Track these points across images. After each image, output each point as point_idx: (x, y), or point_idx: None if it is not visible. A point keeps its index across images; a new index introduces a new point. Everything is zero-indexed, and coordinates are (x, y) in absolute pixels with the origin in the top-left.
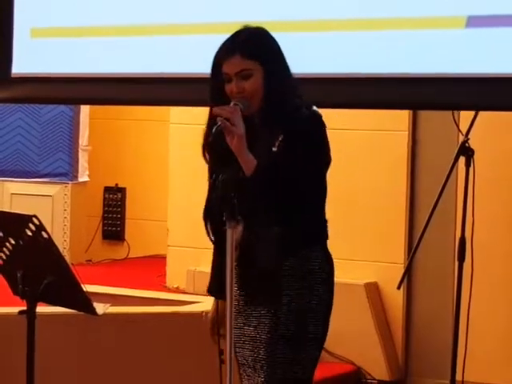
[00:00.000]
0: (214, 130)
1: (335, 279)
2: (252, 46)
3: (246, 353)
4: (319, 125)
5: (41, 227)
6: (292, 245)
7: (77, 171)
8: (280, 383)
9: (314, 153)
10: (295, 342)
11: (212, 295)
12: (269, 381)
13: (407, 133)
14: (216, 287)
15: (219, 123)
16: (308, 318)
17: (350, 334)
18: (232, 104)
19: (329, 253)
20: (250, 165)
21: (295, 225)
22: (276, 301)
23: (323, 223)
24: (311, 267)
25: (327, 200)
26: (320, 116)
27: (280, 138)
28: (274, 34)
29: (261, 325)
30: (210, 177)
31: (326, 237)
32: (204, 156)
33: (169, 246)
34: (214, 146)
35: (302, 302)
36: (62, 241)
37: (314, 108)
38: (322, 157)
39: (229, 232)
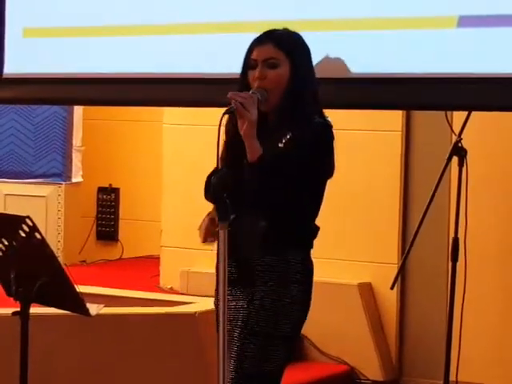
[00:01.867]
0: (225, 110)
1: (329, 279)
2: (286, 40)
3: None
4: (328, 134)
5: (34, 228)
6: (274, 243)
7: (70, 172)
8: (247, 378)
9: (316, 159)
10: (264, 338)
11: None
12: (236, 376)
13: (400, 133)
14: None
15: (233, 105)
16: (279, 316)
17: (343, 335)
18: (250, 92)
19: (309, 257)
20: (255, 152)
21: (281, 224)
22: (250, 292)
23: (311, 230)
24: (288, 267)
25: None
26: (331, 126)
27: (288, 136)
28: None
29: (235, 320)
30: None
31: (311, 243)
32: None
33: (162, 246)
34: (227, 134)
35: (274, 299)
36: (55, 241)
37: (328, 118)
38: (323, 165)
39: (221, 233)
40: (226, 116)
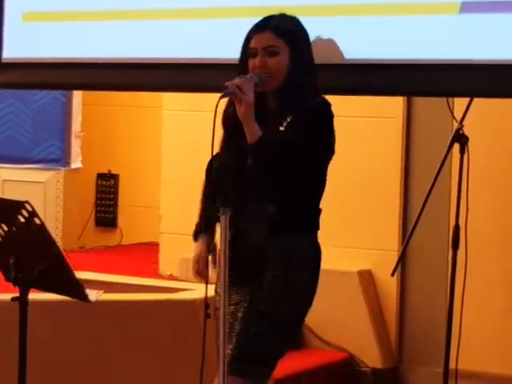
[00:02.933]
0: (222, 93)
1: (329, 266)
2: (285, 27)
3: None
4: (327, 112)
5: (33, 213)
6: (282, 228)
7: (69, 157)
8: (247, 357)
9: (317, 138)
10: (270, 319)
11: (199, 236)
12: (235, 354)
13: (401, 120)
14: (205, 225)
15: (229, 89)
16: (286, 300)
17: (343, 322)
18: (248, 75)
19: (317, 242)
20: (254, 135)
21: (288, 208)
22: (259, 278)
23: (316, 213)
24: (297, 252)
25: None
26: (329, 105)
27: (288, 119)
28: None
29: (241, 302)
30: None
31: (317, 226)
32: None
33: (162, 232)
34: (224, 119)
35: (283, 282)
36: (54, 227)
37: (324, 97)
38: (324, 143)
39: (222, 218)
40: (223, 101)
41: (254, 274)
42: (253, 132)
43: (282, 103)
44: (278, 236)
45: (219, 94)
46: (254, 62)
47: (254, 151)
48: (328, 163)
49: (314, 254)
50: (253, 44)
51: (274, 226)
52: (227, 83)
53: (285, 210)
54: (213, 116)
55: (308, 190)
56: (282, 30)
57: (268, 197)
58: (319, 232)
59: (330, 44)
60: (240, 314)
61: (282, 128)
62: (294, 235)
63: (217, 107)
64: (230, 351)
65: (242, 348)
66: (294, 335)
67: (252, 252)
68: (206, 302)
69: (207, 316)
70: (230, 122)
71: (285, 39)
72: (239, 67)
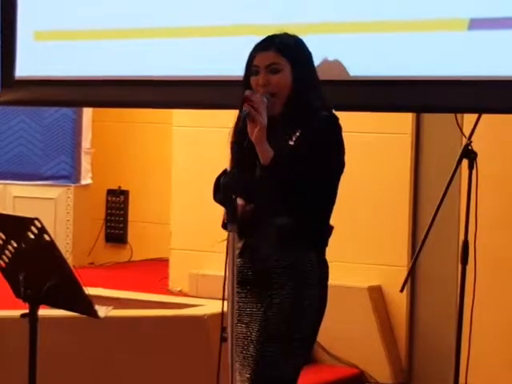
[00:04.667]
0: (241, 114)
1: (339, 282)
2: (287, 46)
3: (238, 349)
4: (335, 127)
5: (43, 230)
6: (290, 241)
7: (79, 174)
8: (266, 382)
9: (327, 152)
10: (283, 342)
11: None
12: (255, 379)
13: (410, 136)
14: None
15: (245, 109)
16: (298, 319)
17: (353, 337)
18: (258, 95)
19: (324, 258)
20: (267, 155)
21: (298, 222)
22: (268, 296)
23: (325, 229)
24: (304, 269)
25: None
26: (337, 118)
27: (297, 133)
28: None
29: (252, 322)
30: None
31: (325, 242)
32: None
33: (171, 248)
34: (239, 137)
35: (293, 301)
36: (64, 243)
37: (333, 111)
38: (334, 156)
39: (230, 235)
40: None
41: (263, 290)
42: (266, 152)
43: (288, 119)
44: (286, 250)
45: (228, 111)
46: (256, 80)
47: (268, 172)
48: (339, 177)
49: (322, 269)
50: (256, 62)
51: (282, 239)
52: (247, 93)
53: (294, 224)
54: (221, 132)
55: (318, 204)
56: (284, 49)
57: (278, 210)
58: (329, 248)
59: (336, 64)
60: (253, 336)
61: (291, 142)
62: (302, 250)
63: (242, 129)
64: (248, 375)
65: (259, 373)
66: (309, 352)
67: (260, 266)
68: (222, 326)
69: (223, 340)
70: (240, 137)
71: (287, 57)
72: (243, 85)
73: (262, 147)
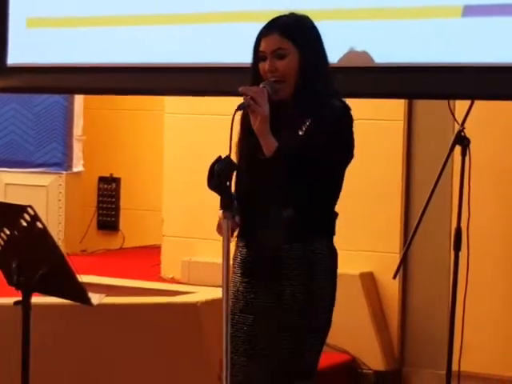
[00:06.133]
0: (237, 106)
1: None
2: (291, 28)
3: (240, 341)
4: (347, 117)
5: (36, 217)
6: (298, 232)
7: (71, 161)
8: (286, 374)
9: (337, 142)
10: (298, 332)
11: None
12: (272, 371)
13: (403, 122)
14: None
15: (244, 101)
16: (311, 309)
17: (345, 324)
18: (261, 85)
19: (333, 246)
20: (270, 147)
21: (305, 212)
22: (278, 288)
23: (332, 216)
24: (314, 258)
25: None
26: (349, 109)
27: (308, 123)
28: None
29: (263, 314)
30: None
31: (333, 231)
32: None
33: (164, 236)
34: (242, 122)
35: (305, 292)
36: (56, 231)
37: (345, 100)
38: (344, 147)
39: (224, 223)
40: (239, 112)
41: (270, 281)
42: (269, 144)
43: (298, 107)
44: (294, 241)
45: (220, 98)
46: (264, 66)
47: (271, 163)
48: (346, 167)
49: (331, 258)
50: (262, 47)
51: (290, 229)
52: (241, 89)
53: (301, 214)
54: (213, 119)
55: (325, 193)
56: (288, 31)
57: (284, 200)
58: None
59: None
60: (265, 326)
61: (301, 132)
62: (310, 240)
63: (233, 119)
64: (263, 369)
65: (279, 368)
66: (324, 341)
67: (267, 257)
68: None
69: None
70: (248, 125)
71: (292, 40)
72: (252, 71)
73: (265, 138)
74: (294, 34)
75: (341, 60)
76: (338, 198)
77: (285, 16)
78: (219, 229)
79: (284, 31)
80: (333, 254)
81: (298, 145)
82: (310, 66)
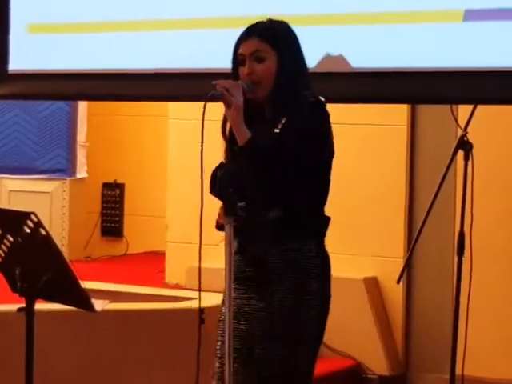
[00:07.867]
0: (209, 94)
1: (334, 274)
2: (270, 32)
3: (235, 347)
4: (322, 112)
5: (39, 224)
6: (285, 233)
7: (75, 167)
8: (278, 380)
9: (312, 138)
10: (290, 338)
11: None
12: (267, 377)
13: (406, 127)
14: None
15: (218, 90)
16: (302, 314)
17: (349, 329)
18: (237, 82)
19: (324, 249)
20: (244, 137)
21: (290, 212)
22: (267, 293)
23: (321, 219)
24: (304, 261)
25: None
26: (323, 103)
27: (283, 121)
28: None
29: (254, 320)
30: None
31: (323, 233)
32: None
33: (168, 242)
34: (223, 130)
35: (294, 297)
36: (60, 237)
37: (319, 96)
38: (320, 142)
39: (227, 228)
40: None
41: (263, 286)
42: (242, 134)
43: (275, 109)
44: (281, 243)
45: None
46: (243, 71)
47: (244, 152)
48: (329, 165)
49: (322, 261)
50: (241, 50)
51: (276, 230)
52: (214, 82)
53: (287, 215)
54: (218, 125)
55: (310, 193)
56: (267, 35)
57: (270, 200)
58: (325, 239)
59: (340, 56)
60: (258, 333)
61: (276, 130)
62: (298, 242)
63: (204, 109)
64: (257, 374)
65: (271, 375)
66: (318, 347)
67: (258, 262)
68: (201, 309)
69: (201, 321)
70: (229, 132)
71: (271, 44)
72: (232, 75)
73: (239, 128)
74: (272, 37)
75: (319, 64)
76: (326, 198)
77: (263, 21)
78: (219, 218)
79: (263, 34)
80: (322, 256)
81: (272, 138)
82: (288, 69)
